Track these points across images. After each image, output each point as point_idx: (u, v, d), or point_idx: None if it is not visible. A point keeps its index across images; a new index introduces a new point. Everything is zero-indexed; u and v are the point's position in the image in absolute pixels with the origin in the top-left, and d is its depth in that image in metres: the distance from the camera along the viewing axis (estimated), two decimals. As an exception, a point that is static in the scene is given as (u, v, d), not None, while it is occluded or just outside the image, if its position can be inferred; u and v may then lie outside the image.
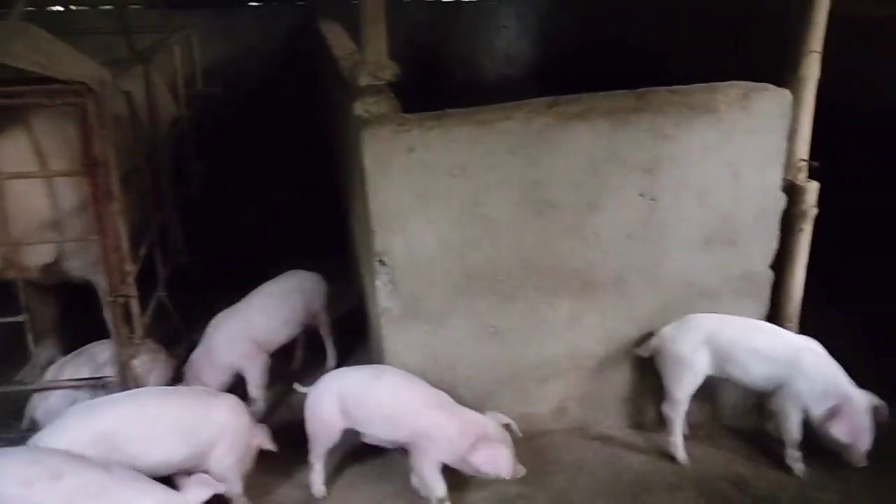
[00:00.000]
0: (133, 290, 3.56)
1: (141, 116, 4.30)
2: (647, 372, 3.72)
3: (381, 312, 3.45)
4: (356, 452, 3.60)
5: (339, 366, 4.29)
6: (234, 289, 4.20)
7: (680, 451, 3.57)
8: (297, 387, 3.51)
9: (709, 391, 3.74)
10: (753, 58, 4.16)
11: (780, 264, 3.70)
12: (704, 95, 3.40)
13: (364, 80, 3.46)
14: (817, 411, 3.37)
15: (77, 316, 4.22)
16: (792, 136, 3.54)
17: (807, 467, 3.48)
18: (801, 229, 3.63)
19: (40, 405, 3.58)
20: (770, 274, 3.70)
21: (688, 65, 6.31)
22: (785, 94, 3.44)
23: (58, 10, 7.58)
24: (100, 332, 3.85)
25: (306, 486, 3.42)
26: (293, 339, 4.25)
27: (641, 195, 3.46)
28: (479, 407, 3.35)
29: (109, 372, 3.59)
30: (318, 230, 5.73)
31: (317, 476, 3.39)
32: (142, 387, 3.49)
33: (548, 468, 3.57)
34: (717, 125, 3.40)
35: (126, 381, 3.53)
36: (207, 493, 2.90)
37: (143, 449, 2.94)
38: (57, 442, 2.87)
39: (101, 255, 3.39)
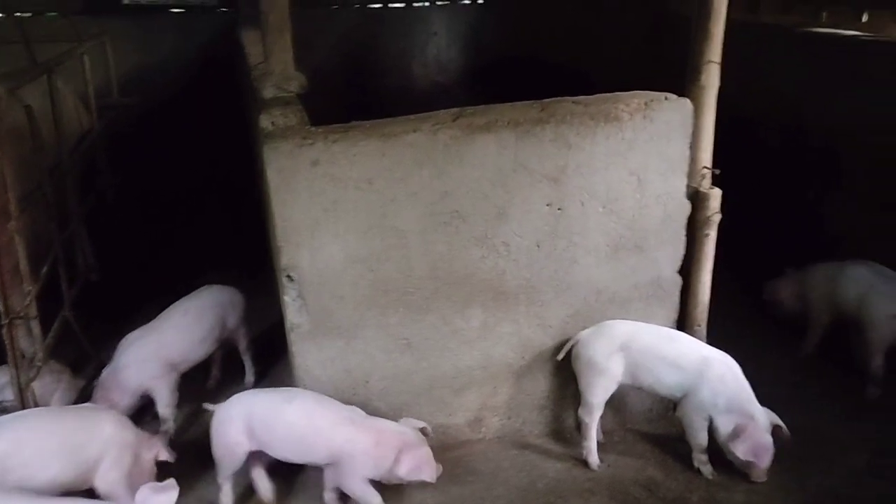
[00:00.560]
0: (33, 311, 3.45)
1: (43, 130, 4.16)
2: (563, 379, 3.76)
3: (290, 328, 3.40)
4: (270, 469, 3.53)
5: (258, 383, 4.26)
6: (152, 305, 4.11)
7: (593, 457, 3.61)
8: (206, 406, 3.44)
9: (623, 397, 3.81)
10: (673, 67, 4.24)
11: (688, 269, 3.77)
12: (607, 105, 3.45)
13: (269, 93, 3.43)
14: (721, 424, 3.44)
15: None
16: (694, 143, 3.61)
17: (715, 468, 3.56)
18: (707, 234, 3.71)
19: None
20: (678, 279, 3.78)
21: (609, 74, 6.41)
22: (685, 103, 3.52)
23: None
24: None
25: (212, 502, 3.36)
26: (210, 356, 4.16)
27: (549, 204, 3.49)
28: (396, 419, 3.35)
29: (9, 395, 3.46)
30: (244, 243, 5.63)
31: (225, 497, 3.33)
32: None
33: (465, 478, 3.57)
34: (621, 134, 3.45)
35: (26, 404, 3.40)
36: None
37: (33, 471, 2.86)
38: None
39: (-3, 275, 3.27)
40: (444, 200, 3.39)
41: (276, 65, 3.39)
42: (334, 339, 3.47)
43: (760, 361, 4.14)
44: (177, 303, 4.07)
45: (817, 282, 4.34)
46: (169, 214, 6.46)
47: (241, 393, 3.44)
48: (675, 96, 3.53)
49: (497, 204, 3.45)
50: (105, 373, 3.77)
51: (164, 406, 3.77)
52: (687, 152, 3.57)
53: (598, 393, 3.54)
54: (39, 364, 3.48)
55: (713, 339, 3.87)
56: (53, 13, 6.96)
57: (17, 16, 5.95)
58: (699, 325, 3.86)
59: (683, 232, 3.69)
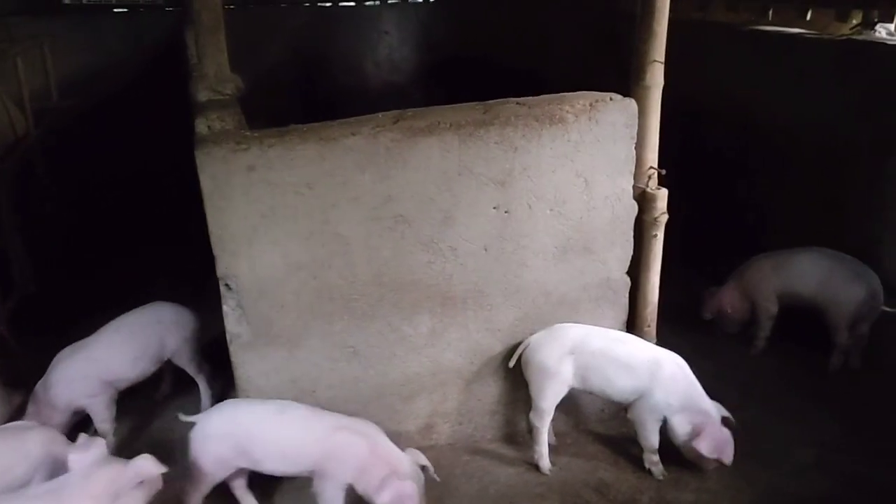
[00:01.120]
0: (-40, 327, 3.30)
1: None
2: (514, 383, 3.72)
3: (230, 339, 3.31)
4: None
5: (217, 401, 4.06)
6: (96, 318, 3.95)
7: (544, 461, 3.58)
8: (182, 416, 3.30)
9: (575, 399, 3.78)
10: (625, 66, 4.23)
11: (636, 270, 3.76)
12: (552, 106, 3.40)
13: (204, 96, 3.32)
14: (677, 424, 3.45)
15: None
16: (640, 144, 3.59)
17: (666, 467, 3.55)
18: (655, 235, 3.70)
19: None
20: (627, 280, 3.76)
21: (562, 73, 6.39)
22: (630, 104, 3.49)
23: None
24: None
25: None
26: (160, 370, 4.02)
27: (496, 208, 3.45)
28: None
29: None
30: (195, 251, 5.46)
31: None
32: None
33: (415, 487, 3.51)
34: (566, 135, 3.41)
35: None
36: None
37: None
38: None
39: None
40: (388, 205, 3.32)
41: (210, 67, 3.29)
42: (277, 349, 3.38)
43: (709, 359, 4.20)
44: (116, 319, 3.92)
45: (765, 275, 4.37)
46: (114, 222, 6.25)
47: (223, 405, 3.30)
48: (620, 97, 3.50)
49: (443, 208, 3.39)
50: (36, 389, 3.63)
51: (101, 422, 3.65)
52: (633, 153, 3.55)
53: (548, 397, 3.51)
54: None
55: (661, 337, 3.88)
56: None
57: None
58: (649, 326, 3.85)
59: (631, 233, 3.67)
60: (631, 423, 3.58)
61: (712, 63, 5.24)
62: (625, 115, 3.48)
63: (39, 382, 3.64)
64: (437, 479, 3.19)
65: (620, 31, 4.14)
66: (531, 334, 3.62)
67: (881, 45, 4.17)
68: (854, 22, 4.71)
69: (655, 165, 3.69)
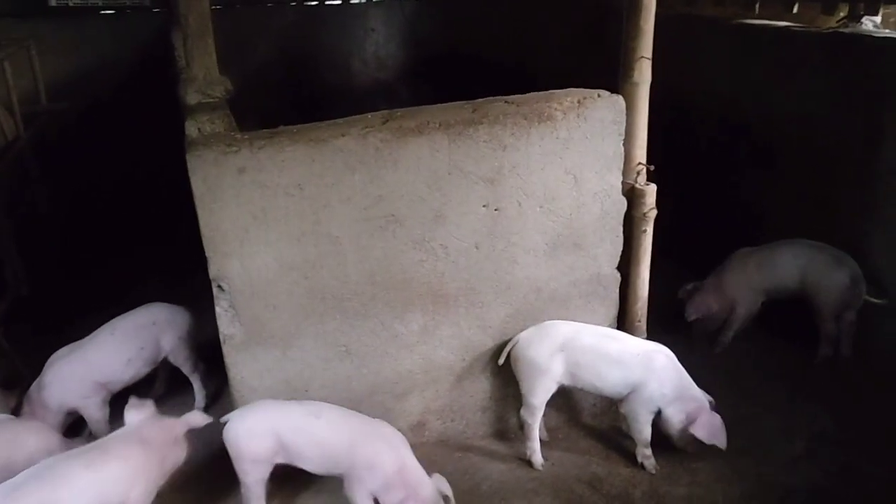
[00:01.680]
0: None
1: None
2: (505, 380, 3.74)
3: (223, 339, 3.32)
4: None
5: (210, 407, 4.08)
6: (92, 319, 3.96)
7: (536, 456, 3.61)
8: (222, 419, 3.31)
9: (567, 394, 3.81)
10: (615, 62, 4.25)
11: (626, 266, 3.78)
12: (540, 104, 3.42)
13: (193, 98, 3.33)
14: (671, 414, 3.51)
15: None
16: (628, 140, 3.61)
17: (658, 461, 3.59)
18: (644, 231, 3.73)
19: None
20: (617, 275, 3.78)
21: (552, 69, 6.41)
22: (618, 100, 3.51)
23: None
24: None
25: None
26: (154, 371, 4.03)
27: (486, 206, 3.47)
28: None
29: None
30: (188, 252, 5.46)
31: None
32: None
33: (409, 484, 3.53)
34: (555, 133, 3.43)
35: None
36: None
37: None
38: None
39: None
40: (379, 205, 3.34)
41: (198, 70, 3.29)
42: (270, 349, 3.39)
43: (698, 352, 4.25)
44: (110, 321, 3.93)
45: (748, 272, 4.38)
46: (108, 223, 6.25)
47: (259, 404, 3.33)
48: (608, 93, 3.52)
49: (433, 206, 3.41)
50: (30, 390, 3.65)
51: (94, 423, 3.67)
52: (621, 149, 3.57)
53: (539, 394, 3.53)
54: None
55: (652, 332, 3.91)
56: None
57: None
58: (639, 321, 3.88)
59: (621, 229, 3.70)
60: (623, 417, 3.62)
61: (700, 58, 5.26)
62: (613, 112, 3.50)
63: (34, 383, 3.66)
64: None
65: (609, 27, 4.17)
66: (522, 331, 3.64)
67: (867, 38, 4.20)
68: (841, 15, 4.73)
69: (644, 161, 3.71)
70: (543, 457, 3.64)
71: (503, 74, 6.09)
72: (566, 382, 3.55)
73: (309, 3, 8.38)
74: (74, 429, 3.80)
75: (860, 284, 4.12)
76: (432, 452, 3.71)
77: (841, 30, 4.41)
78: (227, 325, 3.29)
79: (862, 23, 4.50)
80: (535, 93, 3.52)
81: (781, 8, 5.12)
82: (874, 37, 4.13)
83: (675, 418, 3.51)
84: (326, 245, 3.32)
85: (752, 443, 3.69)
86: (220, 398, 4.10)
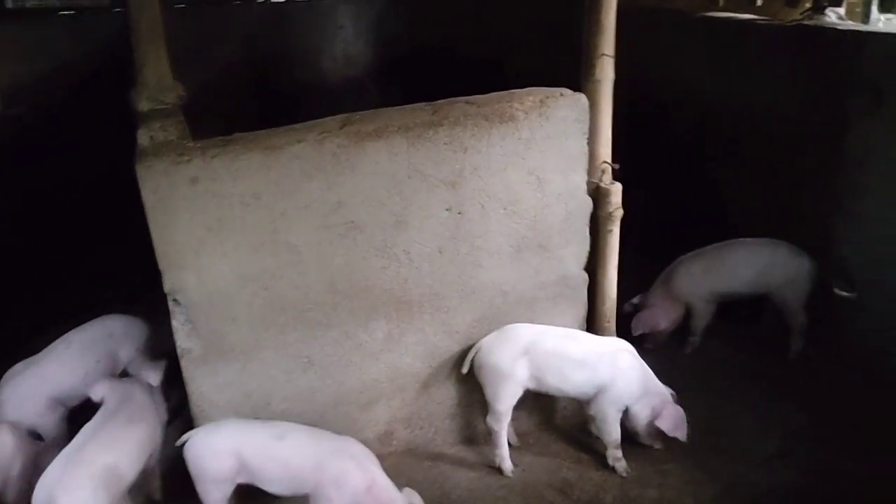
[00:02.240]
0: None
1: None
2: (473, 385, 3.67)
3: (181, 354, 3.23)
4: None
5: (174, 420, 3.98)
6: (49, 333, 3.84)
7: (506, 463, 3.55)
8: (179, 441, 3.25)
9: (538, 397, 3.75)
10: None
11: (594, 266, 3.73)
12: (501, 104, 3.36)
13: (145, 105, 3.23)
14: (639, 410, 3.50)
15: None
16: (592, 139, 3.56)
17: (629, 463, 3.54)
18: (610, 230, 3.68)
19: None
20: (584, 276, 3.73)
21: (524, 65, 6.33)
22: (581, 99, 3.45)
23: None
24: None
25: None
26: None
27: (448, 209, 3.40)
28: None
29: None
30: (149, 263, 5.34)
31: None
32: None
33: (377, 495, 3.46)
34: (517, 133, 3.37)
35: None
36: None
37: None
38: None
39: None
40: (339, 212, 3.26)
41: (150, 76, 3.18)
42: (230, 363, 3.31)
43: (668, 350, 4.22)
44: (66, 335, 3.81)
45: (696, 278, 4.28)
46: (65, 232, 6.08)
47: (222, 423, 3.27)
48: (570, 92, 3.46)
49: (394, 212, 3.34)
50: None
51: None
52: (585, 148, 3.51)
53: (504, 399, 3.47)
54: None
55: (621, 333, 3.88)
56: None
57: None
58: (608, 321, 3.83)
59: (587, 229, 3.64)
60: (592, 419, 3.57)
61: (666, 52, 5.22)
62: (575, 111, 3.44)
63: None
64: None
65: (575, 22, 4.12)
66: (483, 339, 3.58)
67: (831, 30, 4.17)
68: (805, 6, 4.71)
69: (609, 160, 3.66)
70: (514, 462, 3.58)
71: (475, 70, 6.02)
72: (531, 386, 3.49)
73: (276, 1, 8.26)
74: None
75: (817, 272, 4.13)
76: (400, 462, 3.65)
77: (805, 22, 4.38)
78: (184, 339, 3.20)
79: (826, 14, 4.47)
80: (497, 93, 3.45)
81: (745, 0, 5.10)
82: (837, 29, 4.11)
83: (641, 414, 3.50)
84: (285, 255, 3.24)
85: (726, 442, 3.67)
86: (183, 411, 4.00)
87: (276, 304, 3.29)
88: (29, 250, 5.49)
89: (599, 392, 3.47)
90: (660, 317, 4.34)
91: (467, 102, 3.37)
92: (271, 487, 3.14)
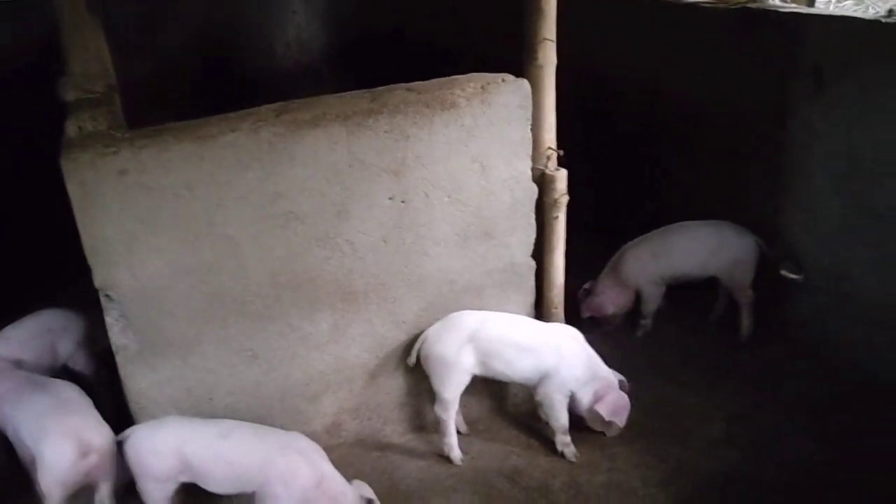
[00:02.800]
0: None
1: None
2: (421, 374, 3.64)
3: (116, 350, 3.15)
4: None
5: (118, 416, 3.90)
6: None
7: (455, 452, 3.54)
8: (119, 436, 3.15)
9: (488, 384, 3.74)
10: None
11: (540, 253, 3.71)
12: (442, 91, 3.31)
13: (71, 95, 3.12)
14: (583, 395, 3.49)
15: None
16: (536, 125, 3.53)
17: (579, 448, 3.55)
18: (556, 217, 3.66)
19: None
20: (532, 263, 3.71)
21: (478, 50, 6.26)
22: (523, 84, 3.41)
23: None
24: None
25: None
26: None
27: (391, 198, 3.35)
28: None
29: None
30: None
31: None
32: None
33: (325, 487, 3.42)
34: (459, 120, 3.32)
35: None
36: None
37: None
38: None
39: None
40: (278, 202, 3.19)
41: (75, 65, 3.08)
42: (169, 358, 3.23)
43: (615, 336, 4.23)
44: (2, 330, 3.70)
45: (644, 263, 4.30)
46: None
47: (163, 420, 3.19)
48: (512, 77, 3.42)
49: (336, 201, 3.27)
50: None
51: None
52: (529, 134, 3.48)
53: (451, 388, 3.45)
54: None
55: (570, 319, 3.88)
56: None
57: None
58: (556, 308, 3.83)
59: (533, 216, 3.62)
60: (539, 405, 3.57)
61: (611, 35, 5.19)
62: (518, 97, 3.40)
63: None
64: None
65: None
66: (427, 329, 3.55)
67: (773, 13, 4.17)
68: (751, -11, 4.70)
69: (553, 146, 3.63)
70: (463, 450, 3.57)
71: (430, 54, 5.94)
72: (478, 372, 3.47)
73: (225, -15, 8.08)
74: None
75: (763, 248, 4.19)
76: (349, 454, 3.62)
77: (749, 5, 4.37)
78: (118, 335, 3.12)
79: (771, -4, 4.48)
80: (438, 79, 3.40)
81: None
82: (780, 11, 4.11)
83: (585, 399, 3.49)
84: (223, 247, 3.16)
85: (673, 425, 3.69)
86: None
87: (216, 297, 3.21)
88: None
89: (544, 378, 3.46)
90: (608, 302, 4.36)
91: (408, 89, 3.31)
92: (215, 487, 3.07)
